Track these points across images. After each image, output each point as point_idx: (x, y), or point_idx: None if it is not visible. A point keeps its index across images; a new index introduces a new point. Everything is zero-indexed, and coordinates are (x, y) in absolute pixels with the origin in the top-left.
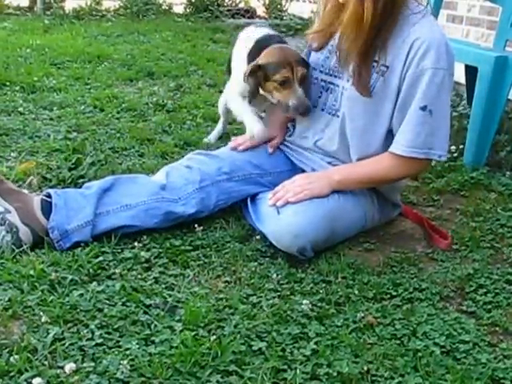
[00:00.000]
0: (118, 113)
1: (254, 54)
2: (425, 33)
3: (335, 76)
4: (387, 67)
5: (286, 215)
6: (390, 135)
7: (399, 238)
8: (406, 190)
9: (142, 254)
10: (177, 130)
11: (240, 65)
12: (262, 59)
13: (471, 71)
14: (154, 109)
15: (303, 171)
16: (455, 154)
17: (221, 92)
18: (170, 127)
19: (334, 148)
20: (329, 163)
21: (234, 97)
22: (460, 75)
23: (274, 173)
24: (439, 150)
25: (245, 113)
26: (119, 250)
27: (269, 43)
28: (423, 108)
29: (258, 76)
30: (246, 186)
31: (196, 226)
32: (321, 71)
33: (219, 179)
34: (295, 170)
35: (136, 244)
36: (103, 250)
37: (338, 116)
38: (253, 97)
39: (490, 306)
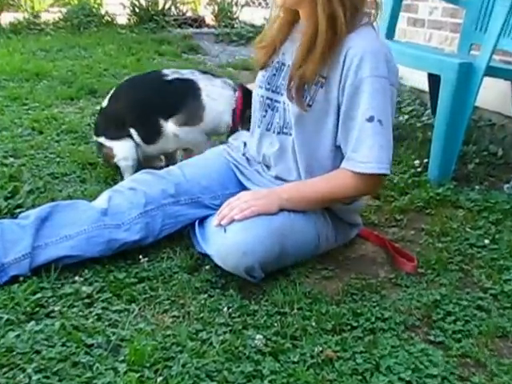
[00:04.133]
0: (58, 135)
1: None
2: (359, 41)
3: (279, 93)
4: (325, 78)
5: (232, 232)
6: (338, 151)
7: (360, 262)
8: (366, 210)
9: (84, 288)
10: None
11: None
12: None
13: (434, 78)
14: None
15: None
16: (419, 169)
17: None
18: None
19: (293, 178)
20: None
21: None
22: (423, 82)
23: (223, 195)
24: (388, 164)
25: None
26: (59, 285)
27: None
28: (370, 119)
29: None
30: (194, 209)
31: (141, 256)
32: (267, 89)
33: (165, 203)
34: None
35: (77, 278)
36: (42, 285)
37: (290, 134)
38: None
39: (459, 335)
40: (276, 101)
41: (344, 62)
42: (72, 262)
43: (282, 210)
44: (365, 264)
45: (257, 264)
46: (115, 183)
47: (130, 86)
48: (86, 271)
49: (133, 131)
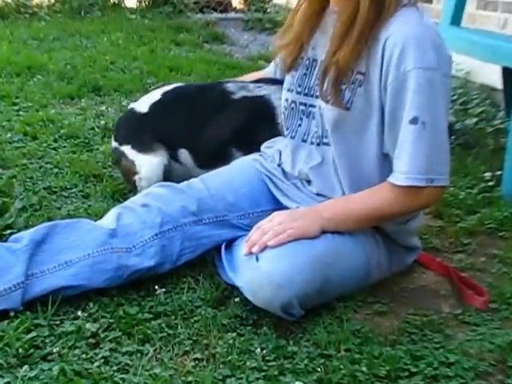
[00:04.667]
0: (56, 141)
1: None
2: (399, 26)
3: (313, 96)
4: (363, 74)
5: (265, 261)
6: (386, 160)
7: (419, 295)
8: (426, 232)
9: (88, 326)
10: None
11: None
12: None
13: (510, 73)
14: (102, 135)
15: None
16: (490, 183)
17: None
18: None
19: (338, 195)
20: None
21: None
22: (496, 78)
23: (253, 213)
24: (440, 173)
25: None
26: (58, 322)
27: None
28: (413, 121)
29: None
30: (219, 230)
31: (157, 287)
32: (298, 92)
33: (184, 222)
34: (280, 209)
35: (80, 313)
36: (37, 322)
37: (329, 144)
38: None
39: None
40: (311, 105)
41: (383, 53)
42: (73, 293)
43: (324, 231)
44: (425, 297)
45: (294, 299)
46: (125, 199)
47: (184, 98)
48: (91, 305)
49: (184, 151)
